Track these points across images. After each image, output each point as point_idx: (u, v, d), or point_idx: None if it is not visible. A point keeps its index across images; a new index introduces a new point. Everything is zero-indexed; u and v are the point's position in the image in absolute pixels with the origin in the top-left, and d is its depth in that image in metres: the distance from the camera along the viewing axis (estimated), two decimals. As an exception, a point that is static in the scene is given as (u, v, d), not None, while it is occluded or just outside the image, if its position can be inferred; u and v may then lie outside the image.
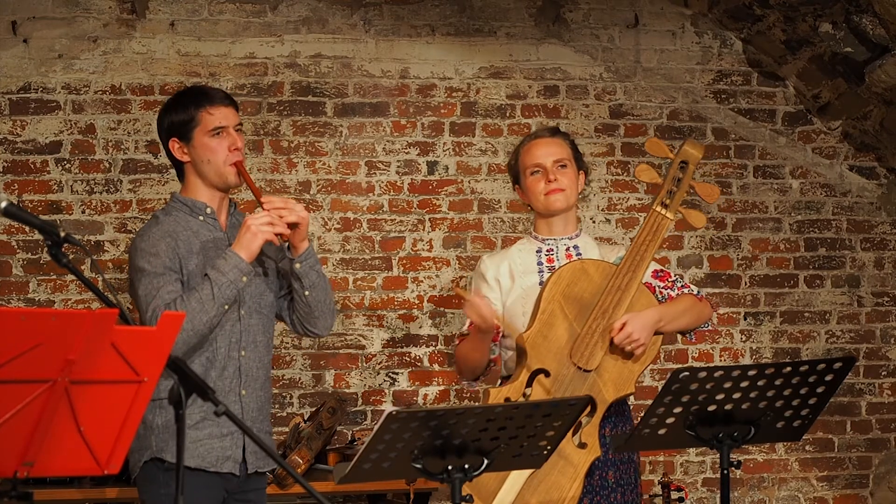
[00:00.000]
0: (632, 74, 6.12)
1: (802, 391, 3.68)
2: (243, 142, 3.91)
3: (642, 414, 3.66)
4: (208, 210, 3.89)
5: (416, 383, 5.88)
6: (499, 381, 4.21)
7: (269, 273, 3.95)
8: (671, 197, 4.15)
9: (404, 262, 5.90)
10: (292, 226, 3.80)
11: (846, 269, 6.24)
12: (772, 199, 6.21)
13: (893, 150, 6.12)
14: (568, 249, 4.21)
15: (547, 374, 3.97)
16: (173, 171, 4.07)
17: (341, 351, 5.83)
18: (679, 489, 5.36)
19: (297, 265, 3.86)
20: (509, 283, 4.19)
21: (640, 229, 4.11)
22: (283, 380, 5.76)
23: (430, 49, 5.97)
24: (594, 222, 6.04)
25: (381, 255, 5.89)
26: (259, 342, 3.90)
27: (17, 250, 5.62)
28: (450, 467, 3.37)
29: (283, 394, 5.76)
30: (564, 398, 3.73)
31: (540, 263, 4.20)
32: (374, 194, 5.89)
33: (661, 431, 3.66)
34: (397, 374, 5.87)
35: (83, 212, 5.67)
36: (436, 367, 5.90)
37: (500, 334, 4.15)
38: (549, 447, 3.52)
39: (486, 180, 5.98)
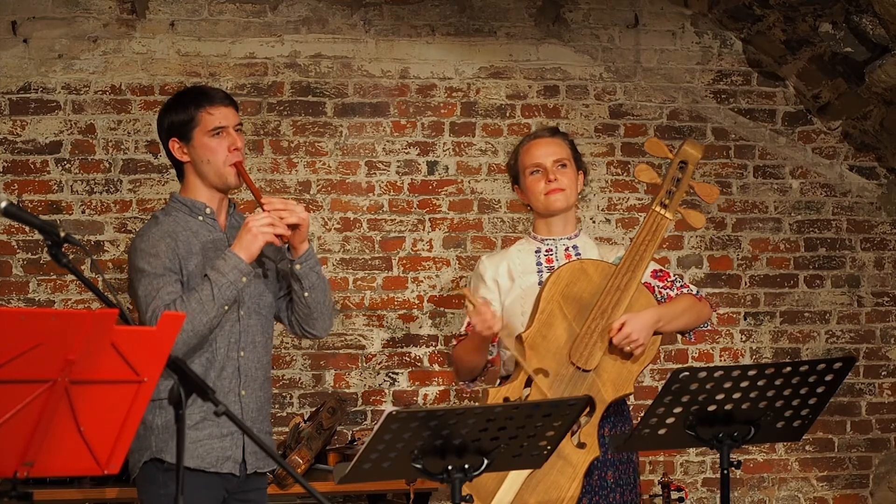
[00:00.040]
0: (632, 74, 6.12)
1: (802, 391, 3.68)
2: (243, 142, 3.91)
3: (642, 414, 3.66)
4: (208, 210, 3.89)
5: (416, 383, 5.88)
6: (498, 381, 4.21)
7: (269, 274, 3.95)
8: (670, 197, 4.15)
9: (404, 262, 5.90)
10: (292, 227, 3.80)
11: (846, 269, 6.24)
12: (772, 199, 6.21)
13: (893, 150, 6.12)
14: (567, 249, 4.21)
15: (546, 374, 3.97)
16: (173, 172, 4.07)
17: (341, 351, 5.83)
18: (679, 489, 5.36)
19: (297, 266, 3.85)
20: (508, 283, 4.19)
21: (640, 229, 4.12)
22: (283, 380, 5.76)
23: (430, 49, 5.97)
24: (594, 222, 6.04)
25: (381, 255, 5.89)
26: (258, 343, 3.90)
27: (17, 250, 5.62)
28: (450, 467, 3.37)
29: (283, 394, 5.76)
30: (564, 398, 3.73)
31: (539, 263, 4.20)
32: (374, 194, 5.90)
33: (661, 431, 3.66)
34: (397, 374, 5.87)
35: (83, 212, 5.67)
36: (436, 367, 5.90)
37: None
38: (549, 447, 3.52)
39: (486, 180, 5.98)
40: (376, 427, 3.23)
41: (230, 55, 5.81)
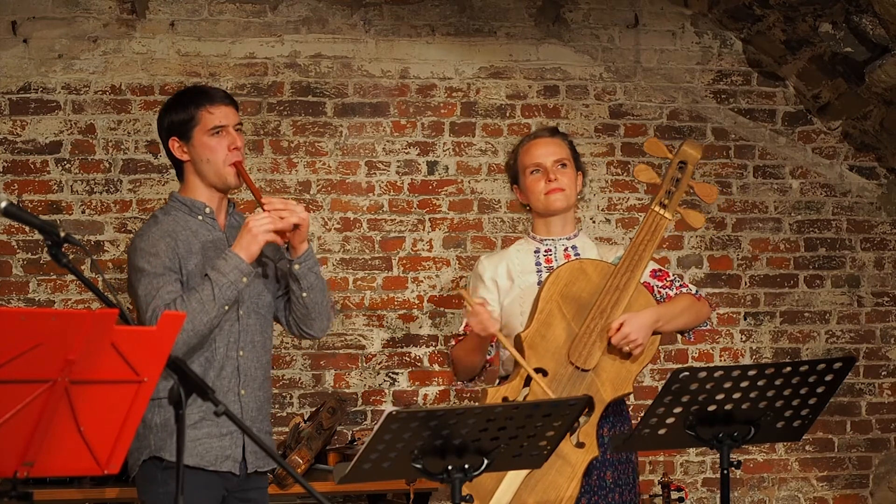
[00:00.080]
0: (632, 74, 6.12)
1: (802, 391, 3.68)
2: (243, 141, 3.92)
3: (642, 414, 3.66)
4: (207, 210, 3.89)
5: (416, 383, 5.88)
6: (497, 381, 4.21)
7: (268, 273, 3.96)
8: (669, 197, 4.15)
9: (404, 262, 5.90)
10: (293, 227, 3.80)
11: (846, 269, 6.24)
12: (772, 199, 6.21)
13: (893, 150, 6.12)
14: (566, 250, 4.21)
15: (545, 373, 3.97)
16: (173, 172, 4.07)
17: (341, 351, 5.83)
18: (679, 489, 5.36)
19: (296, 266, 3.86)
20: (507, 283, 4.19)
21: (639, 229, 4.12)
22: (283, 380, 5.76)
23: (430, 49, 5.97)
24: (594, 222, 6.04)
25: (381, 255, 5.89)
26: (257, 342, 3.91)
27: (17, 250, 5.62)
28: (450, 467, 3.37)
29: (283, 394, 5.76)
30: (564, 398, 3.73)
31: (538, 264, 4.20)
32: (374, 194, 5.90)
33: (661, 431, 3.66)
34: (397, 374, 5.87)
35: (83, 212, 5.67)
36: (436, 367, 5.90)
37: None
38: (548, 447, 3.52)
39: (486, 180, 5.98)
40: (376, 427, 3.23)
41: (230, 55, 5.81)
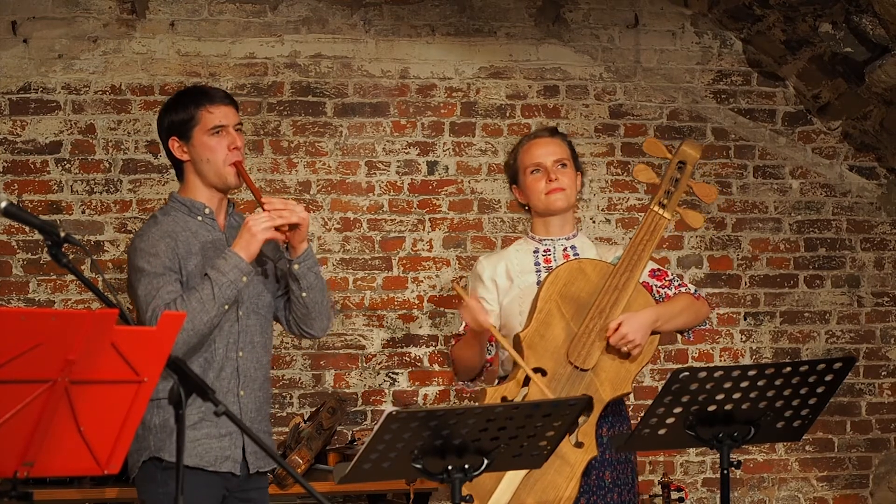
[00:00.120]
0: (632, 74, 6.12)
1: (802, 391, 3.68)
2: (243, 141, 3.92)
3: (642, 414, 3.66)
4: (207, 210, 3.89)
5: (416, 383, 5.88)
6: (496, 381, 4.21)
7: (268, 273, 3.96)
8: (669, 197, 4.15)
9: (404, 262, 5.90)
10: (292, 226, 3.81)
11: (846, 269, 6.24)
12: (772, 199, 6.21)
13: (893, 150, 6.12)
14: (565, 250, 4.21)
15: (544, 373, 3.97)
16: (173, 172, 4.07)
17: (341, 351, 5.83)
18: (679, 489, 5.36)
19: (296, 266, 3.86)
20: (507, 283, 4.19)
21: (638, 229, 4.12)
22: (283, 380, 5.76)
23: (430, 49, 5.97)
24: (594, 222, 6.04)
25: (381, 255, 5.89)
26: (257, 343, 3.90)
27: (17, 250, 5.62)
28: (450, 467, 3.37)
29: (283, 394, 5.76)
30: (564, 398, 3.73)
31: (537, 264, 4.20)
32: (374, 194, 5.90)
33: (661, 431, 3.66)
34: (397, 374, 5.87)
35: (83, 212, 5.67)
36: (436, 367, 5.90)
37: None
38: (548, 447, 3.52)
39: (486, 180, 5.98)
40: (376, 427, 3.23)
41: (230, 55, 5.81)
